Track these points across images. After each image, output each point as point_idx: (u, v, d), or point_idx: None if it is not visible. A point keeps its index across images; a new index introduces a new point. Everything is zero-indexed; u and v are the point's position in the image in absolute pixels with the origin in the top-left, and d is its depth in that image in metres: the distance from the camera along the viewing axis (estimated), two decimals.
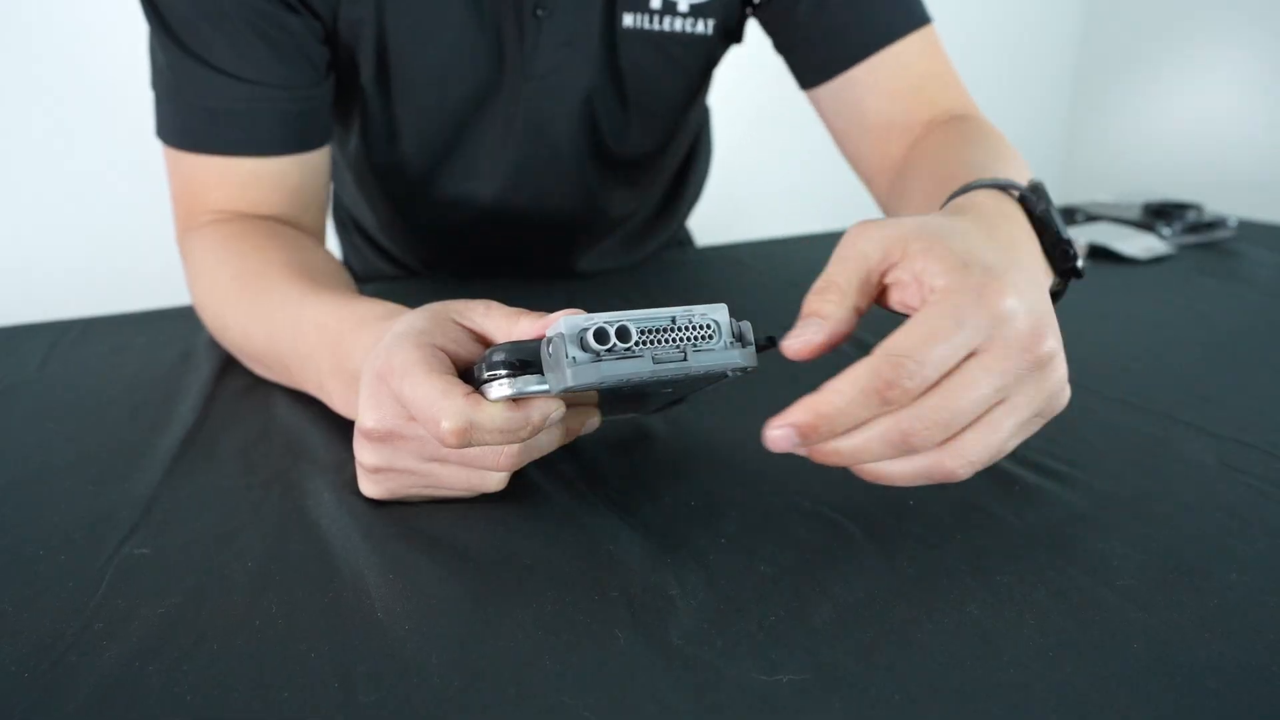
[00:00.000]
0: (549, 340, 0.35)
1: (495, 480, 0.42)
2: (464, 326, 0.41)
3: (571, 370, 0.33)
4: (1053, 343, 0.35)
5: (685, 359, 0.35)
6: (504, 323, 0.40)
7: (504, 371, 0.36)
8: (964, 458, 0.34)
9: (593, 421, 0.43)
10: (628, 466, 0.47)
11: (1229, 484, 0.45)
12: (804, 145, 2.26)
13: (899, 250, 0.37)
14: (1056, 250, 0.43)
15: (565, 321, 0.34)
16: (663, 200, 0.94)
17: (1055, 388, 0.36)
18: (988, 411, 0.34)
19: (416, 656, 0.33)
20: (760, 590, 0.36)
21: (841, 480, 0.45)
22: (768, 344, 0.39)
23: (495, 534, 0.41)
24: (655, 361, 0.34)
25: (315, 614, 0.35)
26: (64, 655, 0.33)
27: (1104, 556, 0.39)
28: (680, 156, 0.90)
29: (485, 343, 0.41)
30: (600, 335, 0.34)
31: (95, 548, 0.40)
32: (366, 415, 0.39)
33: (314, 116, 0.65)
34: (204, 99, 0.61)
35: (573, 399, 0.42)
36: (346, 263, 0.96)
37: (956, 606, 0.35)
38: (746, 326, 0.37)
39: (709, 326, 0.36)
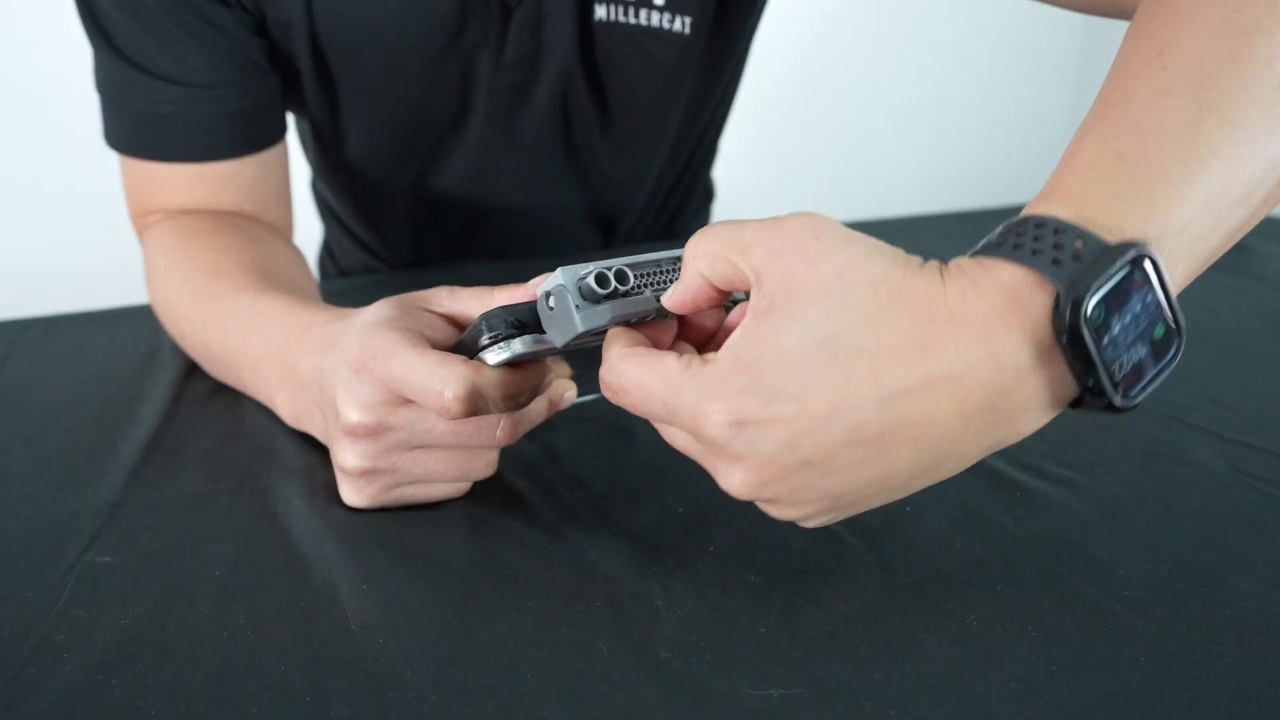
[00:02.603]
0: (548, 295, 0.35)
1: (487, 462, 0.42)
2: (433, 312, 0.41)
3: (580, 315, 0.34)
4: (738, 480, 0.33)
5: None
6: (475, 300, 0.41)
7: (504, 331, 0.37)
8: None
9: (569, 395, 0.43)
10: (611, 471, 0.46)
11: (1239, 489, 0.44)
12: (804, 150, 2.26)
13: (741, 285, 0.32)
14: (1084, 389, 0.30)
15: (563, 272, 0.35)
16: (649, 224, 0.92)
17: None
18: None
19: (391, 669, 0.32)
20: (751, 600, 0.36)
21: None
22: None
23: (473, 542, 0.40)
24: (659, 299, 0.35)
25: (285, 625, 0.35)
26: (23, 668, 0.33)
27: (1109, 565, 0.38)
28: (668, 181, 0.88)
29: (459, 325, 0.41)
30: (601, 279, 0.35)
31: (56, 556, 0.39)
32: (349, 411, 0.39)
33: (259, 114, 0.64)
34: (139, 102, 0.60)
35: (552, 366, 0.43)
36: (329, 251, 0.95)
37: (956, 617, 0.35)
38: None
39: None
